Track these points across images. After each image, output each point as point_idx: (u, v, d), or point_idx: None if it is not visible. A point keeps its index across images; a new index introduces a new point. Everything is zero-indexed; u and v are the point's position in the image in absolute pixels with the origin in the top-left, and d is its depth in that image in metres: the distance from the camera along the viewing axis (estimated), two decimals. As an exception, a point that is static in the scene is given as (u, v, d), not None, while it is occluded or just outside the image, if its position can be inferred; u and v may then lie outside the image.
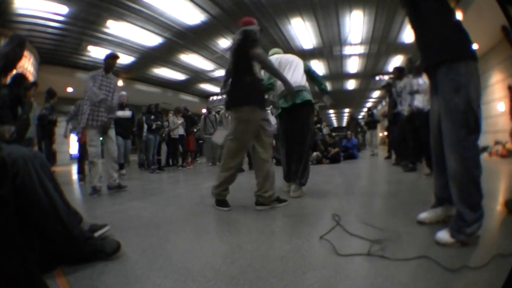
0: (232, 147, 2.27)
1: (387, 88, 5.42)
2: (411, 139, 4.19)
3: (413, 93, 3.91)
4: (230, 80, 2.35)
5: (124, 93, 5.50)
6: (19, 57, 1.20)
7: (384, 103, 17.52)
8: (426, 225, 1.57)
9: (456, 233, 1.29)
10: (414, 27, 1.47)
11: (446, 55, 1.32)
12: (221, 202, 2.28)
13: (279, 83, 2.68)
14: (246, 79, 2.19)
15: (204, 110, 8.54)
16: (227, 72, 2.40)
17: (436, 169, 1.56)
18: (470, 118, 1.28)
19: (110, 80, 3.36)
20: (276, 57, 2.85)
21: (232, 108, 2.29)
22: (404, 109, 4.26)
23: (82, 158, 4.84)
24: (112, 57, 3.38)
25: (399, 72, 4.58)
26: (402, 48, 9.58)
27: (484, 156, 6.92)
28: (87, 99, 3.23)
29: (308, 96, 2.68)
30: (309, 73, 2.92)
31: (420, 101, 3.75)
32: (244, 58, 2.19)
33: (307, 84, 2.78)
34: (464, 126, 1.28)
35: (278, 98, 2.83)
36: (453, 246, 1.28)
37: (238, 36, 2.21)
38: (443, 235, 1.32)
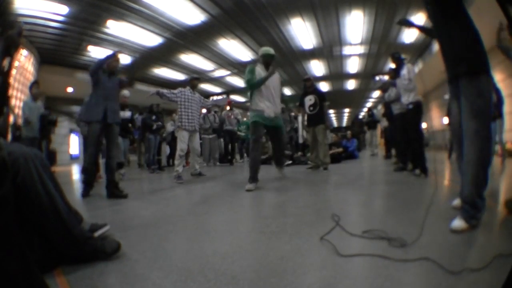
0: None
1: (383, 88, 5.45)
2: (401, 139, 4.28)
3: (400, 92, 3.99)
4: None
5: (126, 92, 5.41)
6: (18, 44, 1.20)
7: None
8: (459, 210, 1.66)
9: (470, 219, 1.49)
10: (442, 41, 1.68)
11: (471, 67, 1.54)
12: None
13: (264, 105, 3.42)
14: None
15: (204, 110, 8.53)
16: None
17: (461, 164, 1.74)
18: (488, 116, 1.54)
19: (195, 95, 4.52)
20: (269, 81, 3.43)
21: None
22: (396, 108, 4.36)
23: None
24: (196, 79, 4.65)
25: (394, 72, 4.61)
26: (402, 48, 9.59)
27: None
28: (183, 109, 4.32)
29: (280, 122, 3.67)
30: None
31: (406, 100, 3.77)
32: None
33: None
34: (484, 124, 1.52)
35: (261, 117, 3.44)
36: (467, 230, 1.46)
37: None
38: (458, 223, 1.49)
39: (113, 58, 3.11)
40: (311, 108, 5.08)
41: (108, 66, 3.13)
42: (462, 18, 1.56)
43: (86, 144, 3.19)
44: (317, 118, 5.04)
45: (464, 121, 1.58)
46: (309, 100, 5.10)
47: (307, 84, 5.21)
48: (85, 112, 3.12)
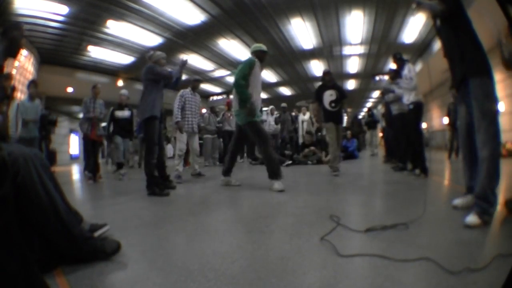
0: None
1: (383, 92, 5.45)
2: (401, 139, 4.28)
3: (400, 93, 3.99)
4: None
5: (124, 91, 5.43)
6: (20, 42, 1.22)
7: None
8: (459, 209, 1.81)
9: (483, 214, 1.57)
10: (449, 48, 1.87)
11: (477, 70, 1.72)
12: None
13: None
14: None
15: (204, 110, 8.54)
16: None
17: (466, 163, 1.88)
18: (496, 117, 1.69)
19: (196, 97, 4.54)
20: (259, 75, 3.33)
21: None
22: (395, 108, 4.37)
23: (89, 156, 4.76)
24: (197, 81, 4.62)
25: (394, 73, 4.60)
26: (402, 48, 9.59)
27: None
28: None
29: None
30: None
31: (407, 99, 3.76)
32: None
33: None
34: (493, 123, 1.66)
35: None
36: (480, 226, 1.53)
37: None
38: (472, 218, 1.56)
39: (164, 58, 3.48)
40: (333, 105, 4.58)
41: (159, 63, 3.36)
42: (468, 33, 1.77)
43: (149, 141, 3.13)
44: (340, 116, 4.67)
45: (475, 121, 1.72)
46: (330, 95, 4.63)
47: (327, 78, 4.78)
48: (145, 108, 3.17)
